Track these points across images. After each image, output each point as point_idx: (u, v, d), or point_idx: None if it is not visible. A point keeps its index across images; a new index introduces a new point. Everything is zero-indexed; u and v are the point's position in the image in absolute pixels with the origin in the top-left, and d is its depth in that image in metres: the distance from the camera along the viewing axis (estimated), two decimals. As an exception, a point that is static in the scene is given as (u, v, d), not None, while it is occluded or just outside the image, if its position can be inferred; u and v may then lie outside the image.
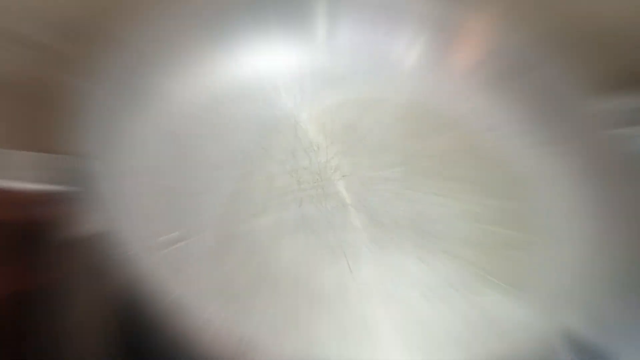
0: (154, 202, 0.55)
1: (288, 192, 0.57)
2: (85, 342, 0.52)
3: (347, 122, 0.63)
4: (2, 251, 0.72)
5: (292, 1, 0.65)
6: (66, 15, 0.67)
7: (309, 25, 0.66)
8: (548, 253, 0.56)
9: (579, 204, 0.59)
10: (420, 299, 0.52)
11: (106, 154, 0.53)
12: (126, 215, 0.52)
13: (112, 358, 0.51)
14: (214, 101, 0.62)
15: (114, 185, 0.53)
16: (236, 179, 0.58)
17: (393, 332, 0.50)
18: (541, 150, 0.63)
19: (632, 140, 0.69)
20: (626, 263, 0.49)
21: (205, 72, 0.62)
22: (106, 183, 0.51)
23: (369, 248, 0.55)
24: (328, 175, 0.59)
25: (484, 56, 0.66)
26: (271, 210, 0.56)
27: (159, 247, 0.52)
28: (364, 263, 0.54)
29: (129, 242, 0.48)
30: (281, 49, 0.66)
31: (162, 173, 0.57)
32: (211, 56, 0.63)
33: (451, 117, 0.65)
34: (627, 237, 0.52)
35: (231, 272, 0.52)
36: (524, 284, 0.54)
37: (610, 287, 0.48)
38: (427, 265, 0.54)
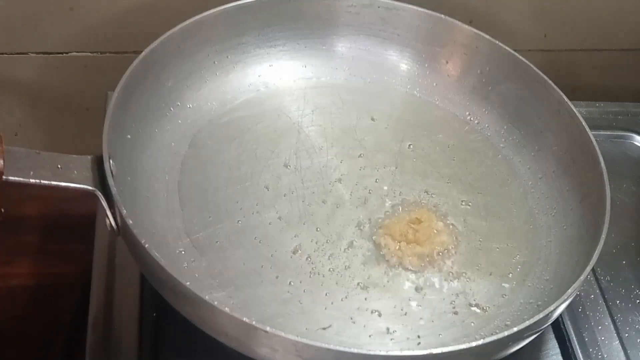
0: (172, 198, 0.57)
1: (293, 190, 0.60)
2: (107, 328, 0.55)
3: (345, 127, 0.66)
4: (28, 244, 0.75)
5: (297, 23, 0.67)
6: (104, 35, 0.71)
7: (311, 42, 0.68)
8: (527, 244, 0.59)
9: (554, 199, 0.62)
10: (411, 285, 0.56)
11: (132, 156, 0.56)
12: (146, 210, 0.55)
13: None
14: (227, 109, 0.64)
15: (136, 183, 0.56)
16: (246, 178, 0.60)
17: (386, 314, 0.53)
18: (518, 150, 0.66)
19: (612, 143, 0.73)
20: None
21: (220, 84, 0.65)
22: (129, 181, 0.54)
23: (365, 240, 0.58)
24: (328, 174, 0.62)
25: (465, 68, 0.69)
26: (277, 206, 0.59)
27: (176, 239, 0.55)
28: (360, 253, 0.57)
29: (149, 235, 0.51)
30: (287, 62, 0.68)
31: (180, 172, 0.59)
32: (225, 70, 0.65)
33: (439, 121, 0.68)
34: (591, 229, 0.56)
35: (241, 260, 0.55)
36: (504, 272, 0.57)
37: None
38: (420, 256, 0.57)
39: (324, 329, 0.52)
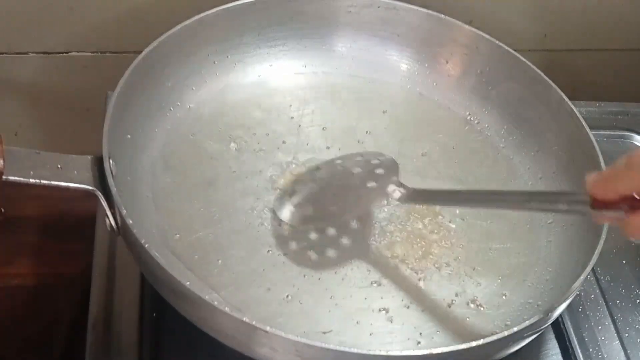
0: (172, 198, 0.57)
1: (291, 190, 0.60)
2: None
3: (345, 127, 0.66)
4: (28, 244, 0.75)
5: (297, 23, 0.67)
6: (104, 35, 0.71)
7: (311, 42, 0.68)
8: (527, 244, 0.59)
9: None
10: (412, 283, 0.56)
11: (132, 156, 0.56)
12: (146, 210, 0.55)
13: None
14: (226, 108, 0.64)
15: (136, 183, 0.56)
16: (244, 178, 0.60)
17: (385, 314, 0.53)
18: (518, 150, 0.66)
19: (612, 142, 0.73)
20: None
21: (220, 84, 0.65)
22: (129, 181, 0.54)
23: (366, 241, 0.58)
24: (328, 174, 0.61)
25: (465, 68, 0.69)
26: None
27: (175, 239, 0.55)
28: (361, 255, 0.57)
29: (149, 235, 0.51)
30: (287, 62, 0.68)
31: (178, 172, 0.59)
32: (225, 70, 0.65)
33: (439, 121, 0.68)
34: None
35: (241, 260, 0.54)
36: (504, 272, 0.57)
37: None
38: (419, 255, 0.57)
39: (324, 331, 0.52)
